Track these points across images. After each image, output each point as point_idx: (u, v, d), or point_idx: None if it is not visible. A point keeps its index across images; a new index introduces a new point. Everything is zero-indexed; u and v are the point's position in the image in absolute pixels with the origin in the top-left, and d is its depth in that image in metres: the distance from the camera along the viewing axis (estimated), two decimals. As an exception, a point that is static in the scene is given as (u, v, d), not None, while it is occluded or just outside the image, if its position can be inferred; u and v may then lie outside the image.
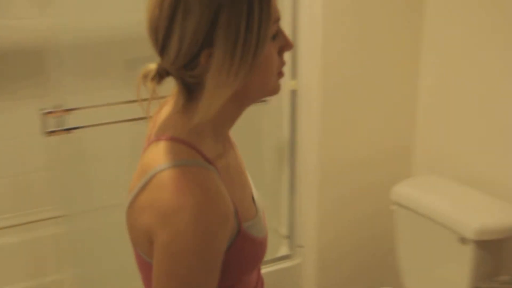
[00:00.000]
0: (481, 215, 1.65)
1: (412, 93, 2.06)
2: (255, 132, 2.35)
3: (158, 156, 0.78)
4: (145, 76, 0.82)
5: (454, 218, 1.65)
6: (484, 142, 1.82)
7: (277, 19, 0.80)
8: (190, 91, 0.82)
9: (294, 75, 1.97)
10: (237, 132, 1.00)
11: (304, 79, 1.94)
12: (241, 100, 0.83)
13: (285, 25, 1.91)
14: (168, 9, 0.75)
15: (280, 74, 0.85)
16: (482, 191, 1.77)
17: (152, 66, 0.83)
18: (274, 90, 0.85)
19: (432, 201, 1.76)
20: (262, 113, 2.24)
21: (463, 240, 1.61)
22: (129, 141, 1.79)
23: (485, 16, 1.77)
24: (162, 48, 0.78)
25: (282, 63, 0.85)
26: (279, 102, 2.08)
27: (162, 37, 0.77)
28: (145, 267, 0.84)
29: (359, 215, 2.12)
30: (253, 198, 0.95)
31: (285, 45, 0.83)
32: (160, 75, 0.82)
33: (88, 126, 1.83)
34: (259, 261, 0.90)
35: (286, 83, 1.99)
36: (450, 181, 1.88)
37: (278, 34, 0.82)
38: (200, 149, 0.81)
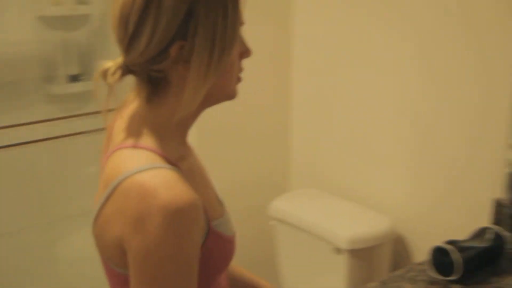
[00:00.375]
0: (352, 225, 1.73)
1: (285, 110, 2.12)
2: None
3: (121, 164, 0.77)
4: (104, 73, 0.79)
5: (328, 230, 1.72)
6: (352, 156, 1.92)
7: (242, 23, 0.81)
8: (154, 88, 0.81)
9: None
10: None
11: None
12: (203, 102, 0.82)
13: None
14: (141, 1, 0.74)
15: (239, 79, 0.86)
16: (354, 202, 1.87)
17: (109, 63, 0.80)
18: (234, 94, 0.86)
19: (307, 214, 1.82)
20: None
21: (337, 250, 1.68)
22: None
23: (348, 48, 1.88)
24: (131, 39, 0.76)
25: (241, 69, 0.86)
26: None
27: (133, 28, 0.76)
28: (118, 280, 0.81)
29: (241, 239, 2.12)
30: (218, 198, 0.96)
31: (245, 51, 0.84)
32: (122, 70, 0.80)
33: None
34: (230, 260, 0.90)
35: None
36: (324, 194, 1.96)
37: (241, 39, 0.83)
38: (163, 152, 0.79)
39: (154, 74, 0.80)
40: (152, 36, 0.75)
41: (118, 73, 0.79)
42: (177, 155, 0.83)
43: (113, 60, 0.81)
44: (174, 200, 0.71)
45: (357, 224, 1.75)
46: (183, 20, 0.75)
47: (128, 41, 0.77)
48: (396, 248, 1.78)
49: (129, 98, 0.87)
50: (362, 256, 1.69)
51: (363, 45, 1.81)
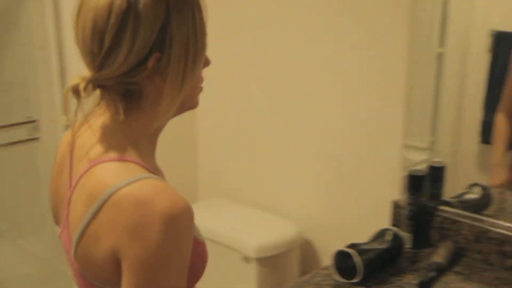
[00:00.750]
0: (260, 233, 1.74)
1: (191, 120, 2.10)
2: (29, 169, 2.18)
3: (108, 178, 0.76)
4: (75, 88, 0.77)
5: (236, 239, 1.72)
6: (258, 164, 1.93)
7: (207, 33, 0.83)
8: (127, 101, 0.80)
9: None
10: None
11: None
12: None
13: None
14: (118, 15, 0.74)
15: (201, 89, 0.88)
16: (261, 210, 1.88)
17: (77, 79, 0.78)
18: (196, 104, 0.88)
19: (215, 224, 1.81)
20: (35, 151, 2.08)
21: (246, 259, 1.68)
22: None
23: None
24: (107, 53, 0.75)
25: (203, 79, 0.88)
26: (53, 140, 1.95)
27: (110, 42, 0.75)
28: None
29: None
30: None
31: (206, 60, 0.86)
32: (93, 85, 0.78)
33: None
34: (205, 266, 0.91)
35: (60, 117, 1.87)
36: (231, 203, 1.96)
37: None
38: (145, 164, 0.80)
39: (128, 87, 0.79)
40: (131, 49, 0.75)
41: (90, 87, 0.78)
42: (154, 166, 0.85)
43: (79, 75, 0.78)
44: (171, 207, 0.73)
45: (264, 232, 1.75)
46: (159, 32, 0.76)
47: (104, 55, 0.76)
48: (304, 253, 1.81)
49: (94, 112, 0.85)
50: (271, 263, 1.69)
51: (269, 52, 1.83)
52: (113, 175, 0.76)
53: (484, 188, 1.49)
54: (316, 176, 1.76)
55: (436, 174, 1.48)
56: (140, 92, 0.80)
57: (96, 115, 0.85)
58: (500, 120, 1.50)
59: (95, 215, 0.76)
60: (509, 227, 1.36)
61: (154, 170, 0.82)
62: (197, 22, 0.79)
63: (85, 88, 0.77)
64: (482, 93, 1.55)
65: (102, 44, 0.75)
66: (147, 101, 0.81)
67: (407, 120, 1.54)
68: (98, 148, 0.80)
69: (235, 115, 1.98)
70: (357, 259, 1.29)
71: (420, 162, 1.57)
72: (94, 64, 0.77)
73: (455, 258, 1.40)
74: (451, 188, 1.55)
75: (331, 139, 1.70)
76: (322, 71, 1.69)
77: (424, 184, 1.47)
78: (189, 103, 0.86)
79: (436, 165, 1.49)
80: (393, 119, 1.55)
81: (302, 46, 1.72)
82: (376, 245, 1.37)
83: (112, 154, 0.79)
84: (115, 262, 0.76)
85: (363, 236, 1.43)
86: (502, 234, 1.35)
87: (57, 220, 0.93)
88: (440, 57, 1.68)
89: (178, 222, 0.74)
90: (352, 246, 1.34)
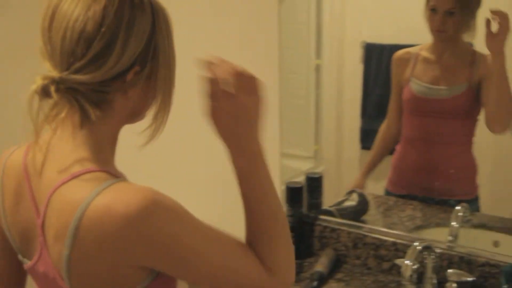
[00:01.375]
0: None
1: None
2: None
3: (77, 195, 0.73)
4: (44, 89, 0.73)
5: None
6: (141, 173, 1.88)
7: None
8: (94, 109, 0.76)
9: None
10: None
11: None
12: (130, 120, 0.84)
13: None
14: (111, 23, 0.73)
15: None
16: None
17: (40, 80, 0.73)
18: (144, 116, 0.87)
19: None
20: None
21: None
22: None
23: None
24: (91, 60, 0.73)
25: None
26: None
27: (99, 48, 0.73)
28: None
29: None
30: None
31: None
32: (65, 87, 0.74)
33: None
34: None
35: None
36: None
37: None
38: (110, 171, 0.77)
39: (99, 95, 0.76)
40: (119, 58, 0.74)
41: (62, 88, 0.74)
42: (117, 172, 0.81)
43: (43, 75, 0.74)
44: (147, 195, 0.71)
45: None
46: (145, 45, 0.77)
47: (89, 60, 0.73)
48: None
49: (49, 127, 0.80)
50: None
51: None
52: (81, 191, 0.73)
53: (360, 194, 1.55)
54: (196, 190, 1.74)
55: (313, 184, 1.51)
56: (109, 102, 0.78)
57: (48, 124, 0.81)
58: (381, 128, 1.58)
59: (75, 236, 0.72)
60: (383, 231, 1.42)
61: (117, 173, 0.80)
62: (171, 36, 0.82)
63: (57, 89, 0.73)
64: (359, 101, 1.62)
65: (88, 49, 0.73)
66: (114, 111, 0.79)
67: (281, 133, 1.57)
68: (60, 166, 0.77)
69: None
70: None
71: (306, 171, 1.60)
72: (68, 65, 0.74)
73: (336, 265, 1.44)
74: (336, 195, 1.60)
75: (209, 150, 1.69)
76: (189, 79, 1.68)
77: (303, 195, 1.50)
78: (141, 116, 0.85)
79: (313, 175, 1.53)
80: (271, 130, 1.57)
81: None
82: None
83: (74, 168, 0.76)
84: (131, 265, 0.74)
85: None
86: (377, 238, 1.41)
87: (24, 253, 0.86)
88: (318, 68, 1.74)
89: (161, 200, 0.73)
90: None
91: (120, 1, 0.75)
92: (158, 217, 0.71)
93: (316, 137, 1.79)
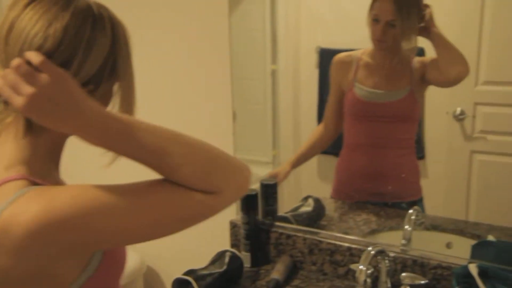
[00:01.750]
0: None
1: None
2: None
3: None
4: None
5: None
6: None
7: None
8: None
9: None
10: None
11: None
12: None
13: None
14: (71, 40, 0.73)
15: None
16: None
17: None
18: None
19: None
20: None
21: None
22: None
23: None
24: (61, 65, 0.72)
25: None
26: None
27: (67, 54, 0.73)
28: None
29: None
30: None
31: None
32: None
33: None
34: (125, 265, 0.89)
35: None
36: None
37: None
38: (36, 180, 0.76)
39: None
40: (74, 76, 0.72)
41: None
42: (53, 180, 0.80)
43: None
44: (38, 214, 0.69)
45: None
46: (102, 63, 0.77)
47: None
48: (148, 282, 1.75)
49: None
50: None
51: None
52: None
53: (316, 200, 1.55)
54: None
55: (268, 191, 1.51)
56: None
57: None
58: (318, 128, 1.58)
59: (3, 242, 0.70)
60: (338, 237, 1.42)
61: (51, 180, 0.80)
62: (130, 56, 0.83)
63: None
64: (316, 105, 1.62)
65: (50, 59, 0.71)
66: None
67: (235, 139, 1.57)
68: None
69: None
70: (195, 285, 1.27)
71: (262, 177, 1.59)
72: None
73: (293, 272, 1.44)
74: (295, 200, 1.59)
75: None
76: (162, 92, 1.66)
77: (258, 202, 1.49)
78: None
79: (267, 182, 1.52)
80: (225, 136, 1.56)
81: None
82: (214, 269, 1.36)
83: (2, 175, 0.75)
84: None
85: (207, 259, 1.42)
86: (333, 244, 1.41)
87: None
88: (274, 73, 1.73)
89: (51, 220, 0.69)
90: (190, 272, 1.32)
91: (82, 21, 0.75)
92: (53, 233, 0.69)
93: (274, 142, 1.78)
